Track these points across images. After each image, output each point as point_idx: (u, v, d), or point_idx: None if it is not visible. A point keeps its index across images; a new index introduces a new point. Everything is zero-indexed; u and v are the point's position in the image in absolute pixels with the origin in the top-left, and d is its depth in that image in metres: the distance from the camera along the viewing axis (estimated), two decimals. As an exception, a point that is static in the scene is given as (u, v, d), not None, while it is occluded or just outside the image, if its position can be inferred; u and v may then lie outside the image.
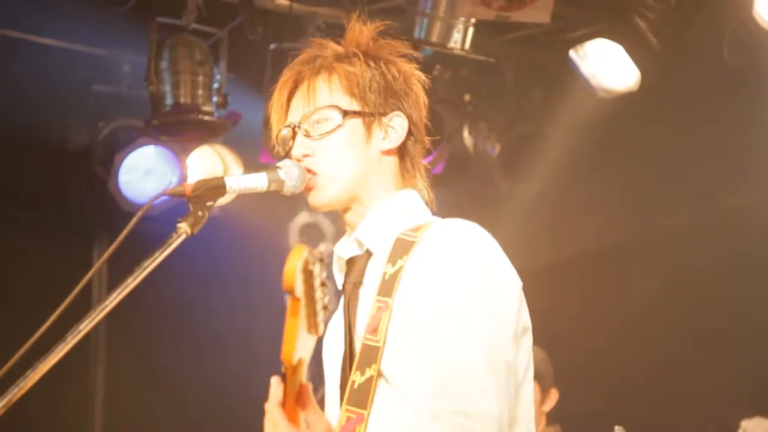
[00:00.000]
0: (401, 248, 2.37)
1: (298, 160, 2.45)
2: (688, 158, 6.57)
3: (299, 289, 1.88)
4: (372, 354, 2.29)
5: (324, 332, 1.96)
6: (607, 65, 6.46)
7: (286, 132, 2.50)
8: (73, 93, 6.56)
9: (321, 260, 1.93)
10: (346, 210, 2.50)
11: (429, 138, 2.57)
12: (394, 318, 2.30)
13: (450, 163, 6.97)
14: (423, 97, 2.54)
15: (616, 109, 6.53)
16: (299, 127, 2.46)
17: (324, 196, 2.46)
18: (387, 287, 2.33)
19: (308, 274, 1.90)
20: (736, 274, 6.32)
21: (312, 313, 1.93)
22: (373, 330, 2.31)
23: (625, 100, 6.50)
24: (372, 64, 2.47)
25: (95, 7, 6.13)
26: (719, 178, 6.47)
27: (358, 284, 2.44)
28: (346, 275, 2.48)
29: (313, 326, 1.94)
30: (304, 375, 2.00)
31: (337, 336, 2.46)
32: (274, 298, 5.04)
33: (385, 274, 2.35)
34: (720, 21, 5.98)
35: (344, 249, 2.50)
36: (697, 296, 6.54)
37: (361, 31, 2.51)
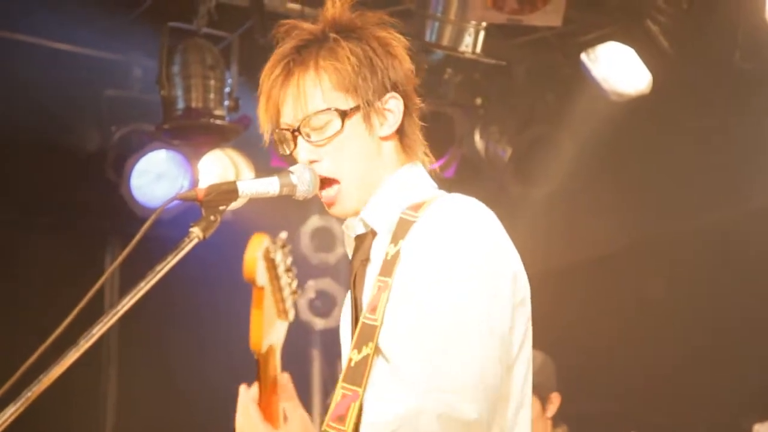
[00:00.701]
0: (403, 228, 2.38)
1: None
2: (699, 161, 6.56)
3: (262, 278, 1.89)
4: (369, 332, 2.31)
5: (294, 317, 1.98)
6: (618, 68, 6.46)
7: (283, 133, 2.50)
8: (85, 97, 6.57)
9: (283, 247, 1.93)
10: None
11: (420, 99, 2.55)
12: (392, 297, 2.31)
13: (461, 166, 6.97)
14: (406, 59, 2.52)
15: (627, 113, 6.53)
16: (299, 131, 2.46)
17: (345, 208, 2.50)
18: (388, 267, 2.35)
19: (270, 262, 1.90)
20: (746, 276, 6.30)
21: (280, 300, 1.94)
22: (373, 309, 2.32)
23: (637, 103, 6.49)
24: (353, 45, 2.45)
25: (107, 11, 6.14)
26: (730, 180, 6.45)
27: (365, 261, 2.46)
28: (354, 252, 2.51)
29: (282, 312, 1.96)
30: (277, 362, 2.02)
31: (349, 315, 2.48)
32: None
33: (387, 254, 2.37)
34: (732, 24, 5.96)
35: (351, 228, 2.53)
36: (707, 298, 6.52)
37: (334, 3, 2.49)
